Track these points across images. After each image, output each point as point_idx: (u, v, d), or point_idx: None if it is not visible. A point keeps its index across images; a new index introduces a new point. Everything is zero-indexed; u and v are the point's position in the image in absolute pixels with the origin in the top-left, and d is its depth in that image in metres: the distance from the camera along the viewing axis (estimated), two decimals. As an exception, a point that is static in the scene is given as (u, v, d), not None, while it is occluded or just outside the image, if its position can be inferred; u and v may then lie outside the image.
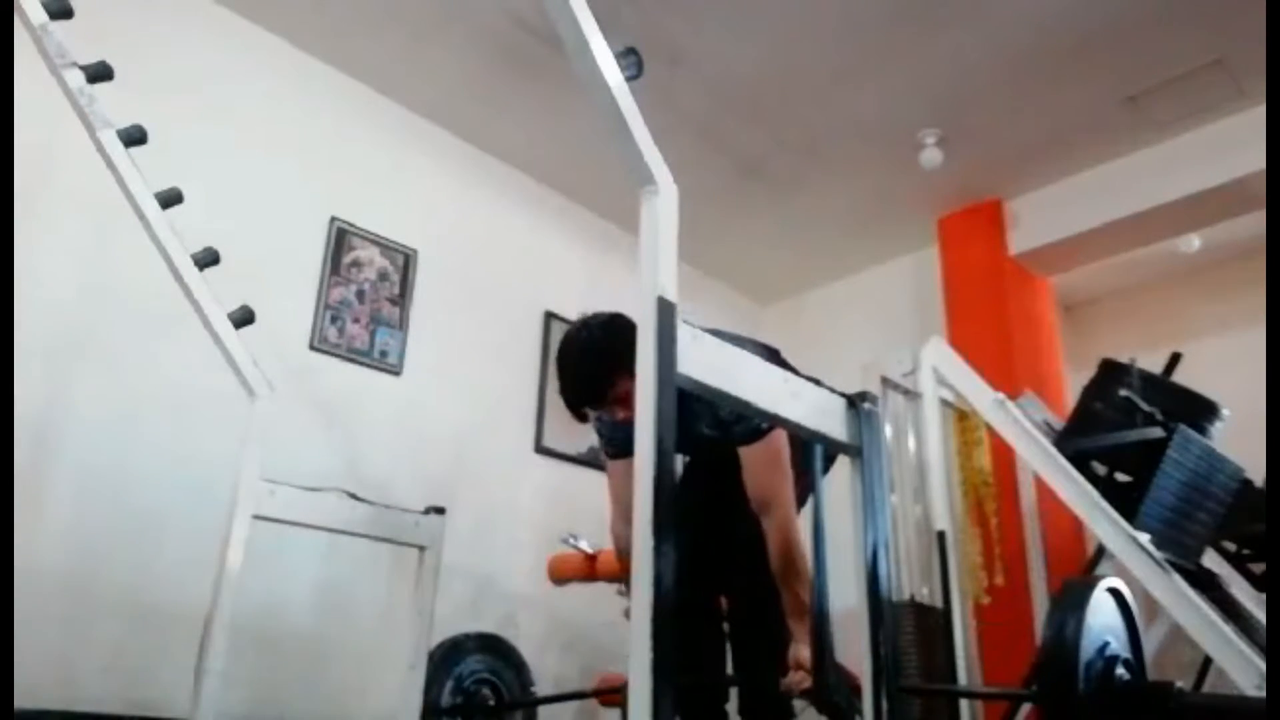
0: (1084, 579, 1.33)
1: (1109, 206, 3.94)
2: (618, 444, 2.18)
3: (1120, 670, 1.27)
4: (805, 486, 2.06)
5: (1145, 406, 2.64)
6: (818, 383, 2.18)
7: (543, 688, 3.50)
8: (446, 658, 2.74)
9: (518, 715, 2.89)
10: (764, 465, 1.99)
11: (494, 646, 2.96)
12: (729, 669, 2.26)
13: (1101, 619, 1.30)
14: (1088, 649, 1.24)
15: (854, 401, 1.49)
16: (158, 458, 2.77)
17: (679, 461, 2.28)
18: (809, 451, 1.83)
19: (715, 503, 2.13)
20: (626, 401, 1.87)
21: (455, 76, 3.60)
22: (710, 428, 2.04)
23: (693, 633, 2.19)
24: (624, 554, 2.27)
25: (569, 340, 2.03)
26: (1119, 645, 1.31)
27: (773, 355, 2.15)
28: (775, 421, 1.37)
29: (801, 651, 1.89)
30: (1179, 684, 1.30)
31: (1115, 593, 1.36)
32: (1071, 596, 1.27)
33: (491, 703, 2.72)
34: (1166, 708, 1.26)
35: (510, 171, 4.11)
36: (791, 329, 4.97)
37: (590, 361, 1.93)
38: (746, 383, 1.29)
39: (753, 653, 2.14)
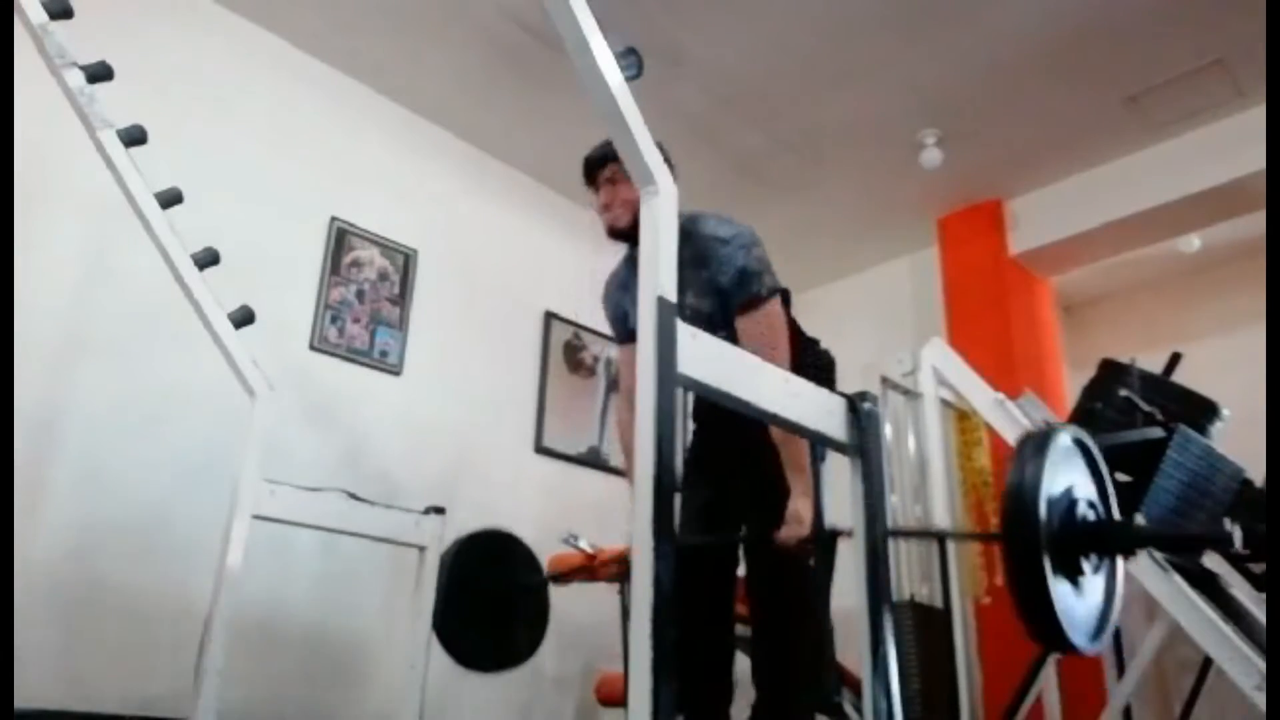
0: (1043, 428, 1.32)
1: (1109, 206, 3.94)
2: (614, 324, 2.34)
3: (1084, 510, 1.28)
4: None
5: (1145, 406, 2.64)
6: (815, 344, 2.22)
7: (543, 687, 3.51)
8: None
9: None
10: (762, 332, 2.05)
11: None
12: (732, 673, 2.25)
13: (1065, 467, 1.31)
14: (1051, 490, 1.25)
15: (854, 402, 1.49)
16: (158, 458, 2.77)
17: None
18: (810, 452, 1.85)
19: (732, 487, 2.15)
20: (610, 181, 2.15)
21: (455, 76, 3.60)
22: (703, 295, 2.08)
23: (702, 635, 2.19)
24: (625, 442, 2.33)
25: None
26: (1085, 490, 1.32)
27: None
28: (775, 422, 1.36)
29: (799, 504, 1.94)
30: (1140, 519, 1.32)
31: (1080, 443, 1.36)
32: (1032, 443, 1.27)
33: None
34: (1127, 536, 1.28)
35: (510, 171, 4.11)
36: (791, 329, 4.97)
37: (609, 145, 2.16)
38: (746, 383, 1.29)
39: (776, 661, 2.11)
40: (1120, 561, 1.36)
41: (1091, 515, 1.30)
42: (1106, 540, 1.30)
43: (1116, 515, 1.35)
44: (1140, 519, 1.35)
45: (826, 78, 3.52)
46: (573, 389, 4.06)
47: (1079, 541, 1.26)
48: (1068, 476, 1.30)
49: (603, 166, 2.21)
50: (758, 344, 2.02)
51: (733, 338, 2.06)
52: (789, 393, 1.37)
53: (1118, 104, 3.61)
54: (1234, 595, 2.74)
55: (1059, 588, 1.21)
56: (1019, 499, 1.21)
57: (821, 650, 2.10)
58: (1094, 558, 1.27)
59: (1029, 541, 1.19)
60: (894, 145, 3.86)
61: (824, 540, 1.89)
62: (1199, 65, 3.39)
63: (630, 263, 2.29)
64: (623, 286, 2.30)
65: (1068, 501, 1.28)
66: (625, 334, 2.30)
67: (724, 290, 2.08)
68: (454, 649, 2.36)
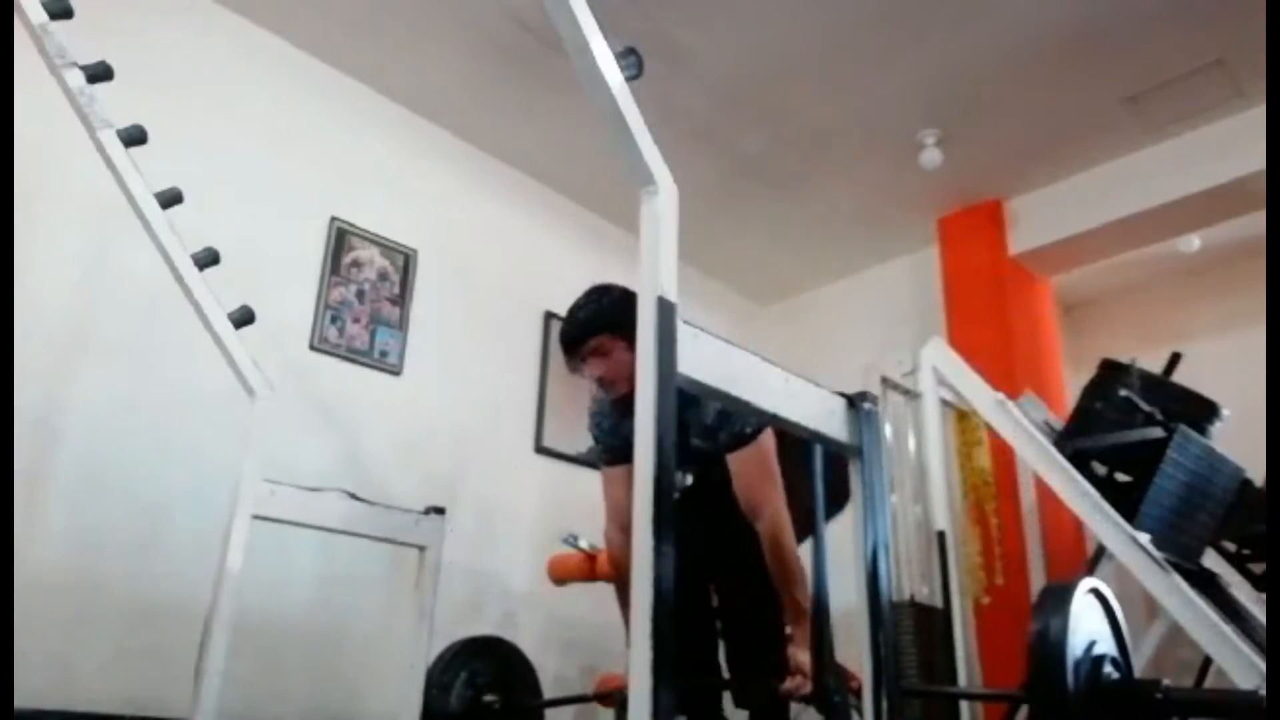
0: (1063, 582, 1.31)
1: (1109, 206, 3.94)
2: (614, 450, 2.22)
3: (1108, 669, 1.26)
4: (803, 518, 2.02)
5: (1145, 406, 2.64)
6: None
7: (543, 687, 3.50)
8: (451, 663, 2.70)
9: None
10: (752, 471, 2.02)
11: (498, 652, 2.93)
12: (722, 668, 2.26)
13: (1086, 620, 1.29)
14: (1075, 648, 1.23)
15: (854, 401, 1.49)
16: (158, 458, 2.76)
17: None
18: (809, 451, 1.83)
19: (712, 517, 2.13)
20: (597, 354, 2.06)
21: (455, 76, 3.60)
22: (696, 438, 2.06)
23: (685, 631, 2.19)
24: (617, 560, 2.27)
25: (580, 297, 2.18)
26: (1105, 645, 1.30)
27: None
28: (775, 422, 1.36)
29: (800, 655, 1.88)
30: (1166, 681, 1.30)
31: (1097, 593, 1.35)
32: (1053, 598, 1.26)
33: (497, 707, 2.70)
34: (1154, 701, 1.26)
35: (510, 171, 4.11)
36: (791, 329, 4.98)
37: (582, 314, 2.12)
38: (746, 383, 1.29)
39: (748, 651, 2.13)
40: None
41: (1115, 674, 1.27)
42: (1134, 708, 1.26)
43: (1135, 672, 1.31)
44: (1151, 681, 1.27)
45: (826, 78, 3.52)
46: (573, 389, 4.05)
47: (1105, 706, 1.23)
48: (1089, 631, 1.28)
49: (583, 342, 2.06)
50: (749, 482, 1.99)
51: (726, 480, 2.04)
52: (789, 393, 1.37)
53: (1118, 104, 3.60)
54: (1234, 595, 2.74)
55: None
56: (1044, 662, 1.17)
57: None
58: None
59: (1058, 708, 1.16)
60: (894, 145, 3.86)
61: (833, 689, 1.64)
62: (1199, 65, 3.39)
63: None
64: (623, 415, 2.13)
65: (1091, 661, 1.25)
66: (621, 456, 2.17)
67: (711, 429, 2.04)
68: None
